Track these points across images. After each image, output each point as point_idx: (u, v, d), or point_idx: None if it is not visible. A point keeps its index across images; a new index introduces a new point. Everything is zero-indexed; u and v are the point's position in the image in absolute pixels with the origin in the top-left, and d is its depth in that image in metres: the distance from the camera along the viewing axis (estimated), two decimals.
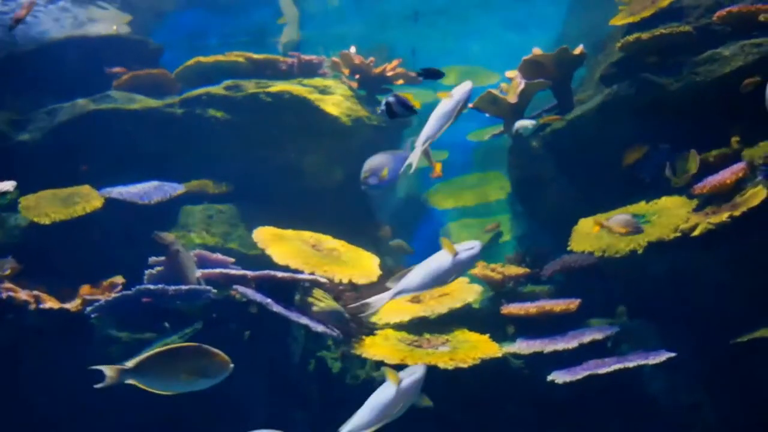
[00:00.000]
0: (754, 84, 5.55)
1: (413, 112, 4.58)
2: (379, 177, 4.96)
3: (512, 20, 11.70)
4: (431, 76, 5.07)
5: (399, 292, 4.37)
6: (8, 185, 6.01)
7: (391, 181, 5.03)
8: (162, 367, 4.17)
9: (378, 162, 5.07)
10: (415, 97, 9.44)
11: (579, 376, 5.15)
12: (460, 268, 4.37)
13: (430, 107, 9.87)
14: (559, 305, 5.79)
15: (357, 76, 8.05)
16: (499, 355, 5.51)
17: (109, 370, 4.14)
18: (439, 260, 4.40)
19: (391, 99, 4.56)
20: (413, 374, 4.27)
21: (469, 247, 4.37)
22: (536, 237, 7.79)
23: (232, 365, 4.28)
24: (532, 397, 5.56)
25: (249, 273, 5.61)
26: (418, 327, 5.82)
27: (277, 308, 5.27)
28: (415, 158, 4.69)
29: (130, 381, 4.17)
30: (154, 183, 7.03)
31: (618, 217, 5.43)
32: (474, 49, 12.45)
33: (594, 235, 5.94)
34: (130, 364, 4.15)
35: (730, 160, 5.56)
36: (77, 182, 6.90)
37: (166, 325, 5.70)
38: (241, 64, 8.13)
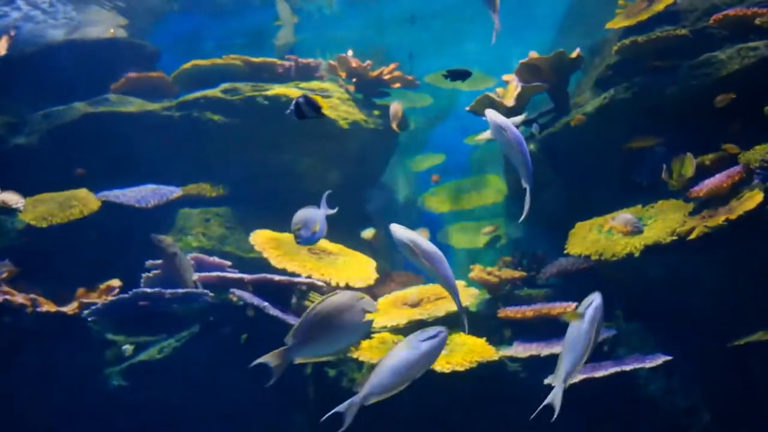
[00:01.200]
0: (727, 100, 5.62)
1: (321, 114, 4.60)
2: (311, 230, 5.00)
3: (509, 24, 11.71)
4: (459, 76, 5.08)
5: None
6: (19, 203, 6.03)
7: (320, 234, 5.08)
8: (321, 326, 4.02)
9: (308, 216, 5.10)
10: (411, 101, 9.48)
11: (575, 380, 5.14)
12: None
13: (426, 110, 9.93)
14: (555, 308, 5.79)
15: (354, 80, 8.06)
16: (496, 358, 5.50)
17: (273, 359, 4.01)
18: None
19: (300, 100, 4.57)
20: (592, 302, 4.03)
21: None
22: (533, 240, 7.79)
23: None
24: (528, 401, 5.55)
25: (246, 276, 5.62)
26: (414, 330, 5.79)
27: (273, 312, 5.28)
28: (496, 25, 4.89)
29: (299, 360, 4.07)
30: (151, 186, 7.03)
31: (620, 217, 5.47)
32: (471, 52, 12.46)
33: (591, 238, 5.95)
34: (288, 340, 4.01)
35: (726, 164, 5.57)
36: (74, 186, 6.90)
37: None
38: (239, 67, 8.14)
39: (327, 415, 3.87)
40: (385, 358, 4.01)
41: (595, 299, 4.03)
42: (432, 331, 4.06)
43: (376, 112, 7.99)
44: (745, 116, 5.58)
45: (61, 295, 6.10)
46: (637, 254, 5.48)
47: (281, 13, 11.50)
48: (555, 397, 4.09)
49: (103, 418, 5.67)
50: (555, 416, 4.12)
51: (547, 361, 5.44)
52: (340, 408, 3.92)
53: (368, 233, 7.52)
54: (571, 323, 4.08)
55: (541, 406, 4.22)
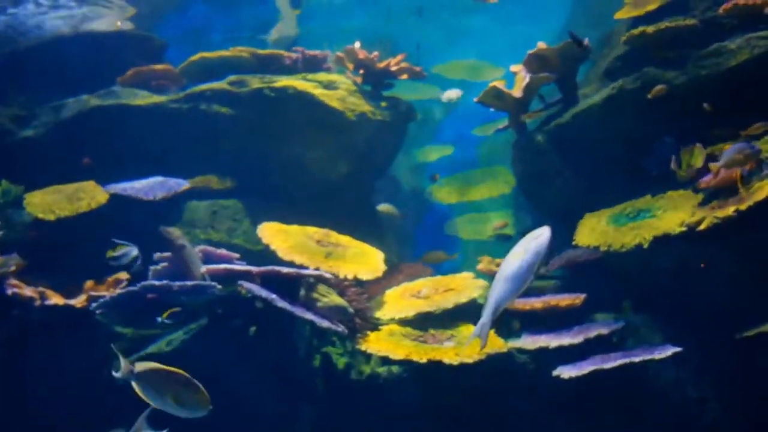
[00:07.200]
0: (660, 91, 5.81)
1: None
2: None
3: (516, 14, 11.69)
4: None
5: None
6: (12, 261, 6.05)
7: None
8: (163, 386, 4.26)
9: None
10: (419, 92, 9.45)
11: (584, 371, 5.14)
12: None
13: (434, 102, 9.91)
14: (564, 300, 5.79)
15: (361, 71, 8.03)
16: (505, 350, 5.51)
17: (123, 362, 4.18)
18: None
19: None
20: (540, 236, 3.96)
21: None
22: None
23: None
24: (537, 392, 5.55)
25: (254, 268, 5.61)
26: (423, 322, 5.82)
27: (282, 304, 5.27)
28: None
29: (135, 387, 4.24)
30: (159, 179, 7.02)
31: (730, 152, 5.19)
32: (478, 43, 12.44)
33: (599, 229, 5.93)
34: (136, 368, 4.21)
35: None
36: (82, 178, 6.91)
37: (159, 319, 5.67)
38: (246, 59, 8.11)
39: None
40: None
41: (543, 233, 3.94)
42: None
43: (383, 104, 7.96)
44: (754, 106, 5.56)
45: (69, 288, 6.11)
46: (646, 245, 5.46)
47: (280, 7, 11.49)
48: (483, 328, 3.91)
49: (111, 410, 5.67)
50: (483, 347, 3.98)
51: (555, 353, 5.44)
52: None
53: (388, 209, 7.54)
54: (512, 252, 3.94)
55: (471, 337, 4.10)
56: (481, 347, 4.03)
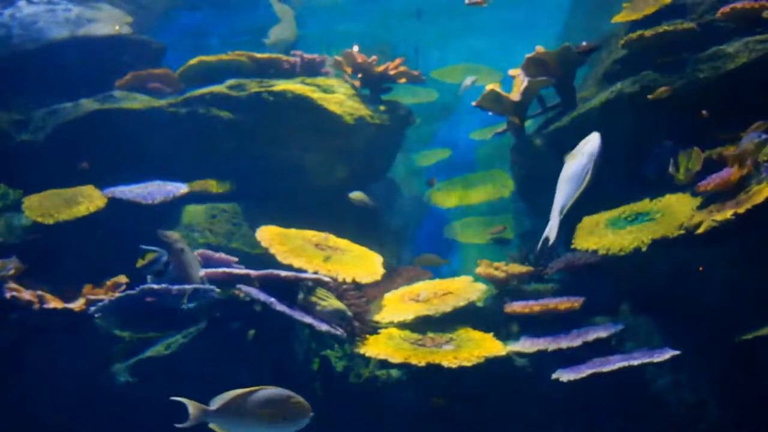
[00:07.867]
0: (663, 93, 5.80)
1: None
2: None
3: (515, 18, 11.70)
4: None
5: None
6: (11, 265, 6.03)
7: None
8: (246, 411, 4.08)
9: None
10: (417, 96, 9.46)
11: (583, 375, 5.14)
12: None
13: (433, 105, 9.92)
14: (563, 303, 5.78)
15: (360, 75, 8.04)
16: (503, 353, 5.50)
17: (192, 408, 4.10)
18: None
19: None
20: (590, 140, 4.28)
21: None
22: (540, 235, 7.77)
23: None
24: (536, 396, 5.55)
25: (252, 272, 5.61)
26: (421, 326, 5.81)
27: (280, 307, 5.27)
28: None
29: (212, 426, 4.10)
30: (157, 183, 7.02)
31: (745, 139, 5.30)
32: (477, 46, 12.44)
33: (597, 232, 5.93)
34: (214, 404, 4.11)
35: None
36: (80, 182, 6.91)
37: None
38: (244, 63, 8.12)
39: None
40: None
41: (593, 137, 4.12)
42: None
43: (381, 108, 7.97)
44: (752, 109, 5.56)
45: (68, 291, 6.10)
46: (644, 248, 5.46)
47: (277, 11, 11.49)
48: (551, 229, 4.28)
49: (110, 414, 5.67)
50: (550, 243, 4.15)
51: (554, 356, 5.44)
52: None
53: (360, 197, 7.49)
54: (567, 159, 4.18)
55: (540, 241, 4.26)
56: (549, 244, 4.25)
